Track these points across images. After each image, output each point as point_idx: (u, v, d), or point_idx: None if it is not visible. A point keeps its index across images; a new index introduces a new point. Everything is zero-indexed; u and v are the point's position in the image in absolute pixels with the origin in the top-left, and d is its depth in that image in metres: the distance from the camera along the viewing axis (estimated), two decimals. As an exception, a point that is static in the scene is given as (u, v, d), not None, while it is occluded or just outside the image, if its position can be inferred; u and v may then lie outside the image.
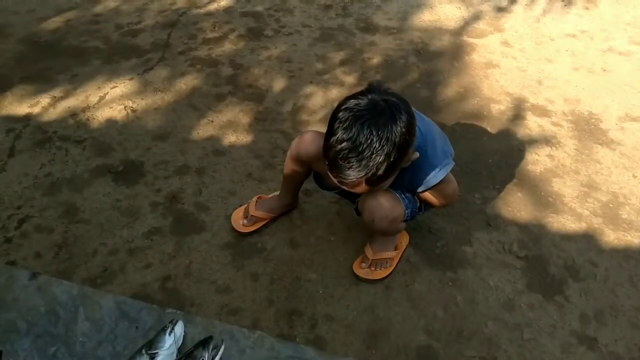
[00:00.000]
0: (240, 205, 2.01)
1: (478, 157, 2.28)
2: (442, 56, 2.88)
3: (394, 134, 1.36)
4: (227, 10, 3.19)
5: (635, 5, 3.42)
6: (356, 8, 3.26)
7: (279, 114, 2.46)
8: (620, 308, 1.77)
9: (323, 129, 2.28)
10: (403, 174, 1.54)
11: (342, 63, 2.79)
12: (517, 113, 2.53)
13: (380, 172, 1.38)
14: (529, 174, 2.22)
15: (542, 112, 2.54)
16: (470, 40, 3.02)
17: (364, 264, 1.83)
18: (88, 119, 2.38)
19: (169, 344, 1.51)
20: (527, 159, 2.29)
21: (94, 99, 2.50)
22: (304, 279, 1.81)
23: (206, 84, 2.62)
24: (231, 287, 1.78)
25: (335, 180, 1.46)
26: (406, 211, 1.71)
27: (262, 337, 1.61)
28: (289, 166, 1.84)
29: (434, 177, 1.58)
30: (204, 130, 2.36)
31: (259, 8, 3.23)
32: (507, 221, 2.03)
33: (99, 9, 3.16)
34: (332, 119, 1.41)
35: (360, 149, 1.35)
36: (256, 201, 1.96)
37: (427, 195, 1.70)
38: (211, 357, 1.47)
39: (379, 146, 1.35)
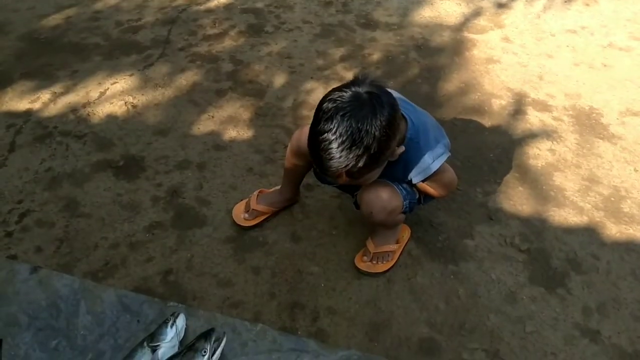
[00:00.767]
0: (242, 200, 2.00)
1: (479, 151, 2.27)
2: (442, 52, 2.88)
3: (374, 127, 1.35)
4: (227, 6, 3.19)
5: (635, 1, 3.42)
6: (356, 4, 3.26)
7: (279, 110, 2.46)
8: (622, 301, 1.77)
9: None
10: (395, 166, 1.54)
11: (343, 59, 2.79)
12: (518, 108, 2.52)
13: (360, 164, 1.37)
14: (530, 168, 2.22)
15: (543, 107, 2.54)
16: (471, 36, 3.02)
17: (365, 257, 1.83)
18: (88, 115, 2.38)
19: (171, 336, 1.50)
20: (528, 153, 2.28)
21: (94, 94, 2.49)
22: (305, 273, 1.81)
23: (206, 79, 2.62)
24: (233, 281, 1.77)
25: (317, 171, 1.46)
26: (404, 202, 1.70)
27: (264, 330, 1.60)
28: (289, 159, 1.84)
29: (429, 167, 1.58)
30: (204, 125, 2.36)
31: (259, 4, 3.23)
32: (509, 215, 2.02)
33: (99, 5, 3.16)
34: (317, 110, 1.41)
35: (339, 141, 1.35)
36: (257, 195, 1.96)
37: (425, 186, 1.70)
38: (213, 350, 1.46)
39: (358, 138, 1.35)
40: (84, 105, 2.43)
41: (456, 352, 1.62)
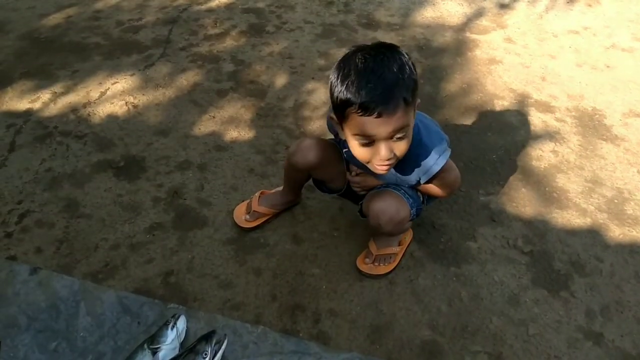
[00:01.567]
0: (243, 201, 1.99)
1: (482, 152, 2.26)
2: (444, 52, 2.87)
3: (404, 57, 1.37)
4: (229, 6, 3.18)
5: (638, 2, 3.40)
6: (358, 4, 3.25)
7: (280, 110, 2.45)
8: (626, 304, 1.76)
9: (325, 124, 2.28)
10: (403, 165, 1.52)
11: (344, 59, 2.77)
12: (521, 109, 2.51)
13: (409, 88, 1.35)
14: (533, 170, 2.20)
15: (546, 108, 2.52)
16: (473, 36, 3.00)
17: (367, 259, 1.81)
18: (89, 115, 2.37)
19: (172, 338, 1.49)
20: (531, 155, 2.27)
21: (94, 94, 2.48)
22: (307, 274, 1.80)
23: (207, 79, 2.61)
24: (234, 282, 1.76)
25: (368, 128, 1.36)
26: (412, 211, 1.69)
27: (265, 332, 1.59)
28: (288, 169, 1.83)
29: (435, 164, 1.56)
30: (205, 125, 2.35)
31: (260, 4, 3.21)
32: (512, 216, 2.01)
33: (99, 5, 3.15)
34: (342, 68, 1.37)
35: (383, 73, 1.32)
36: (259, 196, 1.95)
37: (430, 187, 1.68)
38: (214, 352, 1.45)
39: (396, 65, 1.34)
40: (85, 105, 2.42)
41: (459, 355, 1.61)
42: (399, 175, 1.65)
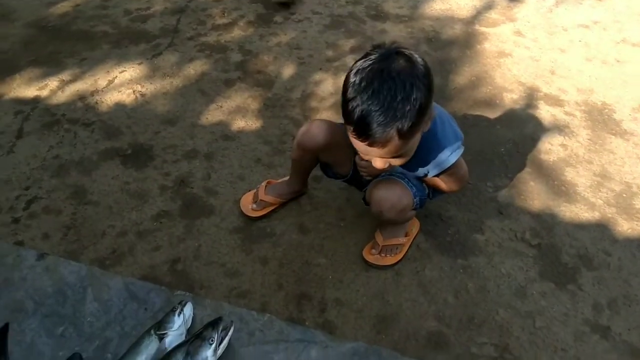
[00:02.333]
0: (249, 190, 1.99)
1: (490, 145, 2.25)
2: (453, 45, 2.85)
3: (415, 77, 1.30)
4: (237, -3, 3.17)
5: (649, -4, 3.37)
6: (367, -4, 3.23)
7: (288, 100, 2.44)
8: (633, 297, 1.75)
9: (332, 116, 2.29)
10: (413, 157, 1.52)
11: (353, 50, 2.77)
12: (530, 102, 2.50)
13: (410, 120, 1.29)
14: (542, 163, 2.19)
15: (555, 101, 2.51)
16: (482, 29, 2.98)
17: (373, 250, 1.81)
18: (97, 103, 2.37)
19: (178, 324, 1.49)
20: (539, 148, 2.26)
21: (102, 82, 2.48)
22: (313, 264, 1.79)
23: (215, 69, 2.60)
24: (240, 271, 1.76)
25: (362, 148, 1.37)
26: (415, 199, 1.68)
27: (272, 320, 1.59)
28: (296, 153, 1.82)
29: (447, 160, 1.55)
30: (212, 115, 2.34)
31: (269, -5, 3.20)
32: (520, 209, 2.00)
33: (107, -6, 3.14)
34: (346, 84, 1.34)
35: (384, 102, 1.28)
36: (265, 186, 1.95)
37: (438, 181, 1.68)
38: (220, 339, 1.45)
39: (403, 92, 1.27)
40: (92, 93, 2.42)
41: (465, 346, 1.60)
42: (405, 170, 1.66)
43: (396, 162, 1.45)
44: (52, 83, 2.46)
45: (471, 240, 1.89)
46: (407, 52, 1.34)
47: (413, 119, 1.30)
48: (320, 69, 2.64)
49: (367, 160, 1.73)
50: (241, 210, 1.93)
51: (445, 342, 1.61)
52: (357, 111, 1.30)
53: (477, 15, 3.10)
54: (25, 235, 1.82)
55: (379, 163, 1.43)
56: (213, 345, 1.42)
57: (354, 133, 1.35)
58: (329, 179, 1.97)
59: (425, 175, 1.63)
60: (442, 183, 1.69)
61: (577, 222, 1.97)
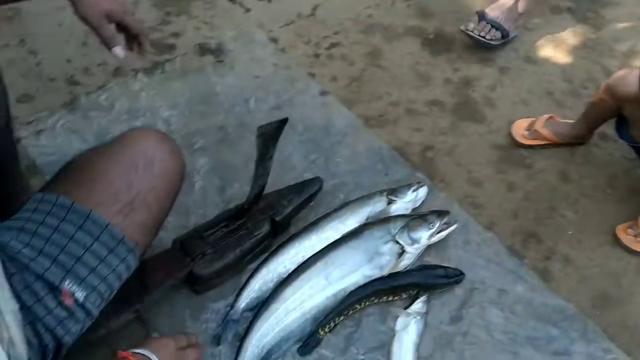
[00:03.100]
0: (527, 118, 1.90)
1: None
2: None
3: None
4: None
5: None
6: None
7: (611, 50, 2.19)
8: None
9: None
10: None
11: None
12: None
13: None
14: None
15: None
16: None
17: (630, 230, 1.62)
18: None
19: (409, 199, 1.56)
20: None
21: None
22: (559, 213, 1.68)
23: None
24: (483, 184, 1.74)
25: None
26: None
27: (493, 240, 1.56)
28: (600, 96, 1.66)
29: None
30: (526, 35, 2.22)
31: None
32: None
33: None
34: None
35: None
36: (546, 119, 1.83)
37: None
38: (440, 229, 1.48)
39: None
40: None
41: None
42: None
43: None
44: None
45: None
46: None
47: None
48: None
49: None
50: (511, 133, 1.86)
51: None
52: None
53: None
54: (318, 70, 2.02)
55: None
56: (431, 231, 1.46)
57: None
58: (616, 142, 1.78)
59: None
60: None
61: None
